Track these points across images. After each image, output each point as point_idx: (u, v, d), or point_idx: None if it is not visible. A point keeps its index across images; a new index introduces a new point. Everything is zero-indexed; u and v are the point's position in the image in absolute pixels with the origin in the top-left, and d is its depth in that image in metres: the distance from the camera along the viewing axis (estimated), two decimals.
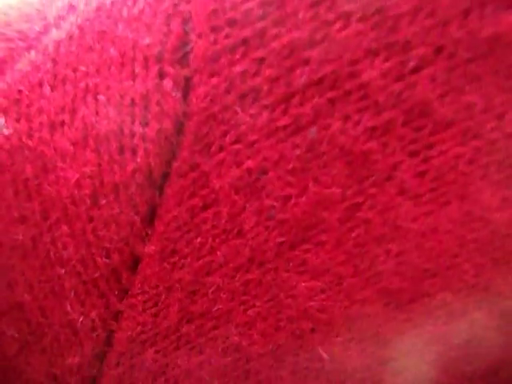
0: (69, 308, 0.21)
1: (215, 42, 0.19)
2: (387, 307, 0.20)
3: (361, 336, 0.20)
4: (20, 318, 0.21)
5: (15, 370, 0.22)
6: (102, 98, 0.20)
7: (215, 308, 0.20)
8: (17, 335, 0.21)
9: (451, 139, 0.18)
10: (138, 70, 0.20)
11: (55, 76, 0.21)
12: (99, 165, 0.20)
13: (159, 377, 0.21)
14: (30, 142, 0.21)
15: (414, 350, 0.20)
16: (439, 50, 0.18)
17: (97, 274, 0.20)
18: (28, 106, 0.21)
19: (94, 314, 0.21)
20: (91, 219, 0.20)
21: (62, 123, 0.21)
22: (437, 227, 0.19)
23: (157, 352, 0.21)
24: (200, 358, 0.21)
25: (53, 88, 0.21)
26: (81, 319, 0.21)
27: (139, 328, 0.21)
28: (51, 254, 0.21)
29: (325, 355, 0.20)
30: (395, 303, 0.20)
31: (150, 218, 0.20)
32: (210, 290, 0.20)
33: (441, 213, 0.19)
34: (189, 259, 0.20)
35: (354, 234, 0.19)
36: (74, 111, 0.20)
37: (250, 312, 0.20)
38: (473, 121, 0.18)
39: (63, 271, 0.21)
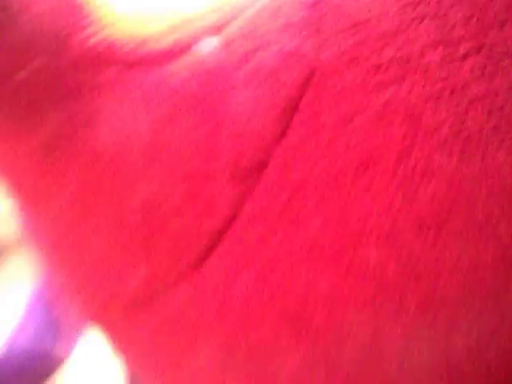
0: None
1: None
2: (421, 232, 0.26)
3: (396, 254, 0.27)
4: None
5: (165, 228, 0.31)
6: None
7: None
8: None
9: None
10: None
11: None
12: None
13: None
14: None
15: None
16: (482, 46, 0.26)
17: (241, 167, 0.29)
18: None
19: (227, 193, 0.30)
20: None
21: None
22: (463, 179, 0.26)
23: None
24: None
25: None
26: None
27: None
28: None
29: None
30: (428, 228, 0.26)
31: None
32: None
33: (463, 164, 0.26)
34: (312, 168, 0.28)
35: (397, 180, 0.26)
36: None
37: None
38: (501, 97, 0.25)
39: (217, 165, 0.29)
